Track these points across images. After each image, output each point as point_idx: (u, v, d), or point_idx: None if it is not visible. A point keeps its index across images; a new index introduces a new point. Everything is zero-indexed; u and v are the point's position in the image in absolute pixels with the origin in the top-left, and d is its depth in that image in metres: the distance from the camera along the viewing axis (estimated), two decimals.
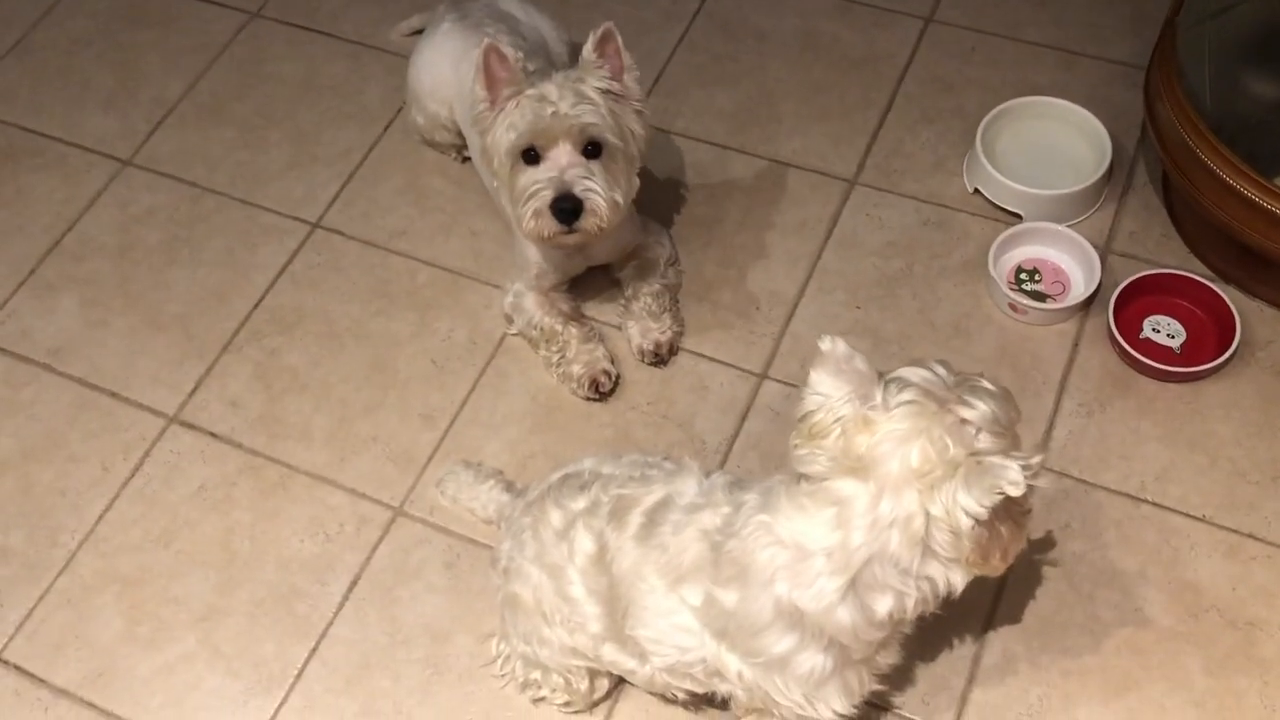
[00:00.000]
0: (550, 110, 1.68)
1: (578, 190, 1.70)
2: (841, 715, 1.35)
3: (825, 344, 1.21)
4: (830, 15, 2.40)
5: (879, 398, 1.19)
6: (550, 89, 1.70)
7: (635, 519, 1.37)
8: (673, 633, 1.35)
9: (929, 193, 2.12)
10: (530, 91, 1.70)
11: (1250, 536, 1.69)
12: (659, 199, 2.11)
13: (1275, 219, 1.71)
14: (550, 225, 1.72)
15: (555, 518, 1.44)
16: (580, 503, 1.43)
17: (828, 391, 1.20)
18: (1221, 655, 1.60)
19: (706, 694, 1.47)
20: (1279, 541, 1.68)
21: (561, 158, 1.71)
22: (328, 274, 2.11)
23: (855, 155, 2.18)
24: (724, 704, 1.50)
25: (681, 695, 1.52)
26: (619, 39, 1.72)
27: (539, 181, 1.71)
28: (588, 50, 1.72)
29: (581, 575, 1.41)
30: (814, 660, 1.28)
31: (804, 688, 1.31)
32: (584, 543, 1.40)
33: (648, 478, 1.43)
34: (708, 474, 1.43)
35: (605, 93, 1.72)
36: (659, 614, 1.35)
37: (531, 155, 1.73)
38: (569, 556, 1.42)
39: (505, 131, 1.72)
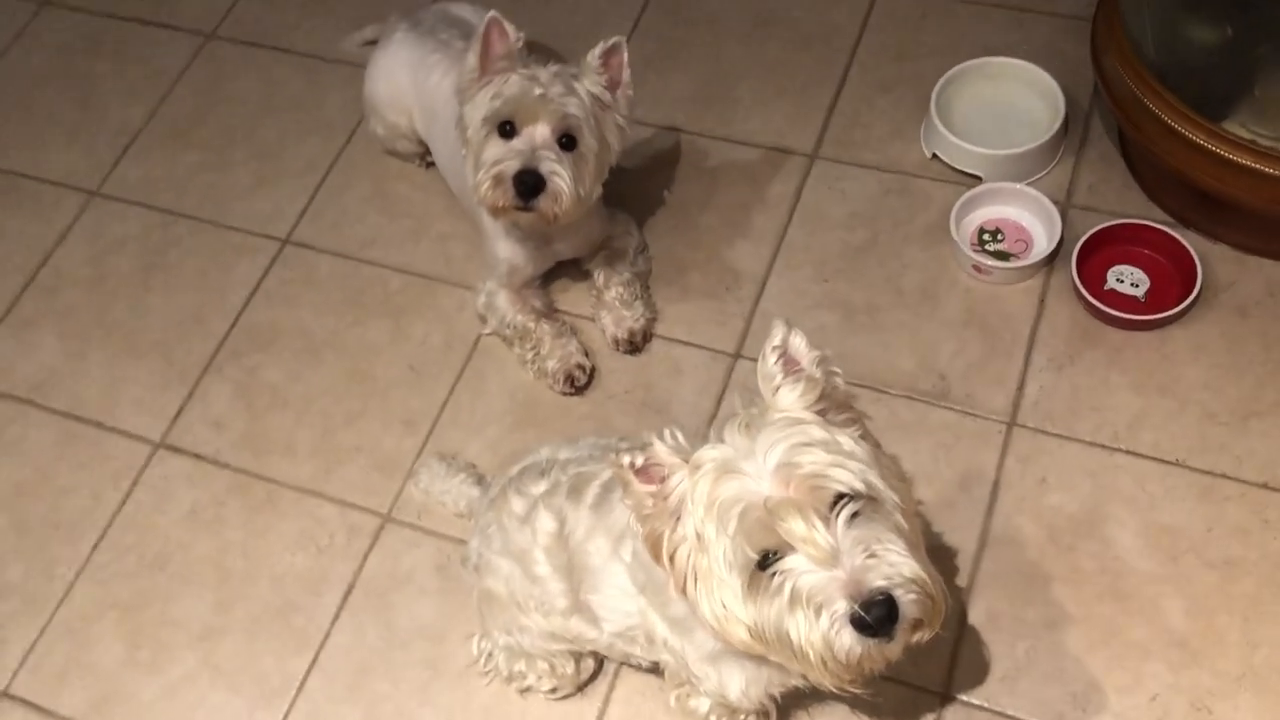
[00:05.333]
0: (538, 90, 1.69)
1: (543, 168, 1.70)
2: (749, 698, 1.35)
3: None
4: None
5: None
6: (543, 73, 1.71)
7: (592, 490, 1.38)
8: (616, 596, 1.36)
9: (888, 161, 2.13)
10: (523, 70, 1.71)
11: (1223, 477, 1.72)
12: (624, 187, 2.12)
13: (1225, 161, 1.73)
14: (507, 196, 1.70)
15: (517, 505, 1.46)
16: (541, 486, 1.45)
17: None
18: (1201, 596, 1.63)
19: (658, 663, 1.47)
20: (1251, 480, 1.71)
21: (536, 137, 1.71)
22: (301, 288, 2.13)
23: (814, 130, 2.19)
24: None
25: (645, 664, 1.53)
26: (625, 54, 1.74)
27: (509, 152, 1.71)
28: (593, 55, 1.73)
29: (546, 554, 1.43)
30: (704, 634, 1.28)
31: (704, 657, 1.32)
32: (545, 522, 1.42)
33: (607, 455, 1.44)
34: None
35: (595, 98, 1.74)
36: (605, 576, 1.36)
37: (507, 129, 1.72)
38: (533, 538, 1.43)
39: (489, 100, 1.71)
